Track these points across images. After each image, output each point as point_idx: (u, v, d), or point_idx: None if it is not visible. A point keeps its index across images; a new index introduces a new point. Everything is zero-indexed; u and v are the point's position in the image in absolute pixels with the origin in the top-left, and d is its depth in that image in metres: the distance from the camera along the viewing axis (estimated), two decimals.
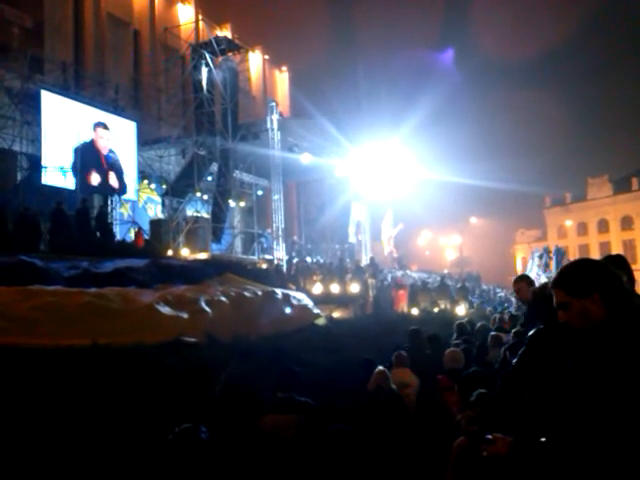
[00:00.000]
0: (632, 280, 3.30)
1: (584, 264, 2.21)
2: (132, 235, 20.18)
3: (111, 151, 19.09)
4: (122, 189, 19.61)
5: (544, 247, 33.06)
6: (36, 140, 17.09)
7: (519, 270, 64.50)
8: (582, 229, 60.11)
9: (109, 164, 18.89)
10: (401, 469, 4.58)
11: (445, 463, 3.60)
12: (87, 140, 18.12)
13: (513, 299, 31.22)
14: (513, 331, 6.49)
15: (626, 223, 56.63)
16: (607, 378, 1.92)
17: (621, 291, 2.09)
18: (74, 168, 17.22)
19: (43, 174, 16.70)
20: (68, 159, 17.26)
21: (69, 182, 17.28)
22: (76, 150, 17.46)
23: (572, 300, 2.11)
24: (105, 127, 18.81)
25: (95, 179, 18.29)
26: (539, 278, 24.66)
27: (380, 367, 5.18)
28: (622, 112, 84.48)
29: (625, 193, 55.98)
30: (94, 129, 18.48)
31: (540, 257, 30.34)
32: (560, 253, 30.40)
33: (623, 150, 77.54)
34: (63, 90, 18.36)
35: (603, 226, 58.51)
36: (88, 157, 17.74)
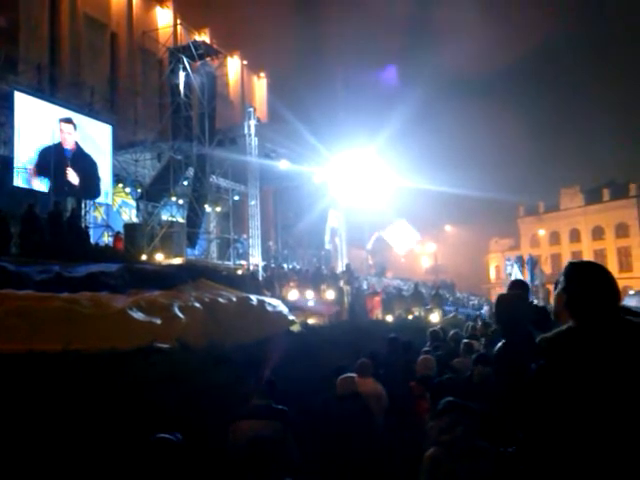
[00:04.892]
0: None
1: (581, 267, 2.26)
2: (105, 239, 19.96)
3: (77, 147, 18.54)
4: (92, 190, 19.18)
5: (517, 256, 33.57)
6: (8, 141, 16.82)
7: (492, 278, 65.39)
8: (554, 238, 61.16)
9: (67, 159, 18.27)
10: (373, 477, 4.60)
11: (417, 472, 3.60)
12: (55, 139, 17.69)
13: (486, 306, 31.67)
14: (484, 340, 6.60)
15: (597, 233, 57.82)
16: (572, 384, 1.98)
17: (592, 301, 2.11)
18: (38, 169, 16.88)
19: (15, 176, 16.43)
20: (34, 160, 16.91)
21: (36, 184, 17.02)
22: (39, 151, 17.10)
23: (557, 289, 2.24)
24: (67, 121, 18.25)
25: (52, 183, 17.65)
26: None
27: (345, 374, 5.19)
28: (595, 124, 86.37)
29: (596, 204, 57.17)
30: (59, 124, 18.00)
31: (512, 266, 30.85)
32: (532, 262, 30.89)
33: (595, 161, 79.25)
34: (37, 91, 18.10)
35: (575, 236, 59.63)
36: (47, 156, 17.23)
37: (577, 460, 1.92)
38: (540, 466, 2.01)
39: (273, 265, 23.74)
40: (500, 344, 3.54)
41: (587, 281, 2.14)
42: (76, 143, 18.63)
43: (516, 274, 28.52)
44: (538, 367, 2.10)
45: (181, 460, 2.84)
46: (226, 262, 21.88)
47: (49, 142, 17.51)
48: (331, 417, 4.81)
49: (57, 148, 17.84)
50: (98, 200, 19.85)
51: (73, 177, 18.47)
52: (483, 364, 5.14)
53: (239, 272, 19.57)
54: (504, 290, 5.16)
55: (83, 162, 18.77)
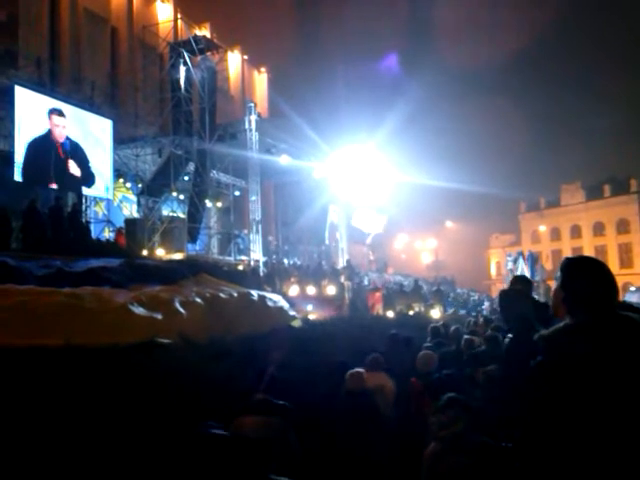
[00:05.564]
0: None
1: (577, 263, 2.25)
2: (106, 234, 19.97)
3: (68, 138, 18.24)
4: (87, 178, 18.95)
5: (518, 252, 33.55)
6: (9, 136, 16.79)
7: (493, 274, 65.44)
8: (555, 234, 61.15)
9: (67, 152, 18.06)
10: (376, 474, 4.60)
11: (420, 468, 3.60)
12: (43, 132, 17.26)
13: (486, 302, 31.69)
14: (484, 337, 6.61)
15: (598, 229, 57.81)
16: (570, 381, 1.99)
17: (589, 297, 2.10)
18: (25, 164, 16.53)
19: (16, 171, 16.42)
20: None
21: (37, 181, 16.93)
22: (29, 145, 16.74)
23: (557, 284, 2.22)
24: (60, 114, 17.91)
25: (54, 183, 17.50)
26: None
27: (354, 369, 5.20)
28: (596, 120, 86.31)
29: (597, 200, 57.16)
30: (49, 116, 17.50)
31: (515, 262, 30.80)
32: (533, 258, 30.87)
33: (595, 157, 79.28)
34: (38, 86, 18.05)
35: (576, 232, 59.62)
36: (43, 151, 16.99)
37: (573, 456, 1.92)
38: (537, 463, 2.01)
39: (274, 261, 23.77)
40: (508, 340, 3.54)
41: (583, 277, 2.14)
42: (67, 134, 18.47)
43: (522, 269, 28.37)
44: (536, 364, 2.10)
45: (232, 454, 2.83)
46: (227, 257, 21.91)
47: (45, 137, 17.35)
48: (340, 413, 4.81)
49: (54, 143, 17.74)
50: (97, 194, 19.84)
51: (75, 169, 18.41)
52: (478, 363, 5.15)
53: (240, 267, 19.58)
54: (505, 286, 5.17)
55: (78, 151, 18.66)
